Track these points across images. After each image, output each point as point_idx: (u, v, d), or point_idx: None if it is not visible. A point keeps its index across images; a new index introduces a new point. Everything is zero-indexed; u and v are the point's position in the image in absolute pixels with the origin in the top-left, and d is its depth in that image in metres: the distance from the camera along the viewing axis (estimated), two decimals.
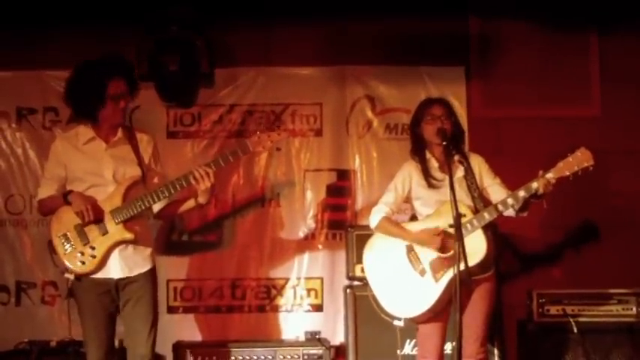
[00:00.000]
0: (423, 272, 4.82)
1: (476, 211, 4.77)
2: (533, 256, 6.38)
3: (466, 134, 5.22)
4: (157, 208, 4.95)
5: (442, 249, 4.78)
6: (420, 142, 5.00)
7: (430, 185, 4.92)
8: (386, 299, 4.91)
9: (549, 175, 4.70)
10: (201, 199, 4.90)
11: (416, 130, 5.02)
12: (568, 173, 4.71)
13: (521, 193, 4.74)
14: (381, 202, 5.03)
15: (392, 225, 4.95)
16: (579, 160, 4.71)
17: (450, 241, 4.72)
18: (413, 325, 4.95)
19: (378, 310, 4.96)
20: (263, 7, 6.40)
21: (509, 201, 4.77)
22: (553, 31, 6.41)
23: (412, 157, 5.05)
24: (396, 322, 4.91)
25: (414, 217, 5.13)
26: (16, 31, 6.38)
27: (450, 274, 4.72)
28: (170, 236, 6.56)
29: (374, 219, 5.00)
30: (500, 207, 4.77)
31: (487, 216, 4.75)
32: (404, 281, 4.85)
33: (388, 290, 4.91)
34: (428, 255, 4.83)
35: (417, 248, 4.86)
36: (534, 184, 4.71)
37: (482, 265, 4.69)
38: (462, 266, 4.44)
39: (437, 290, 4.77)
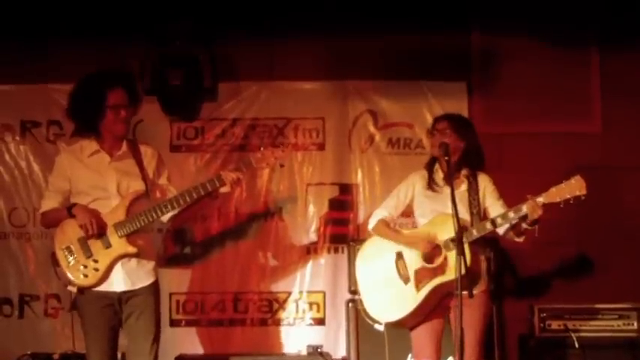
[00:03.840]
0: (407, 280, 4.85)
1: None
2: (530, 280, 6.38)
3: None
4: (168, 217, 4.94)
5: (428, 258, 4.82)
6: (432, 155, 5.08)
7: (430, 188, 4.97)
8: (369, 303, 4.97)
9: (539, 200, 4.70)
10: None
11: (430, 143, 5.11)
12: (559, 200, 4.69)
13: (511, 214, 4.76)
14: (381, 206, 5.12)
15: (387, 227, 5.02)
16: (572, 188, 4.68)
17: (437, 254, 4.79)
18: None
19: (362, 314, 5.02)
20: (266, 22, 6.44)
21: (499, 220, 4.78)
22: (554, 46, 6.42)
23: (425, 167, 5.10)
24: (377, 326, 4.95)
25: None
26: (20, 44, 6.42)
27: (431, 285, 4.77)
28: (173, 249, 6.58)
29: (372, 221, 5.08)
30: (488, 225, 4.78)
31: (475, 232, 4.77)
32: (387, 287, 4.90)
33: (372, 294, 4.97)
34: (414, 264, 4.86)
35: (406, 256, 4.90)
36: (524, 207, 4.71)
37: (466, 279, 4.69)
38: (447, 278, 4.58)
39: (416, 299, 4.81)
